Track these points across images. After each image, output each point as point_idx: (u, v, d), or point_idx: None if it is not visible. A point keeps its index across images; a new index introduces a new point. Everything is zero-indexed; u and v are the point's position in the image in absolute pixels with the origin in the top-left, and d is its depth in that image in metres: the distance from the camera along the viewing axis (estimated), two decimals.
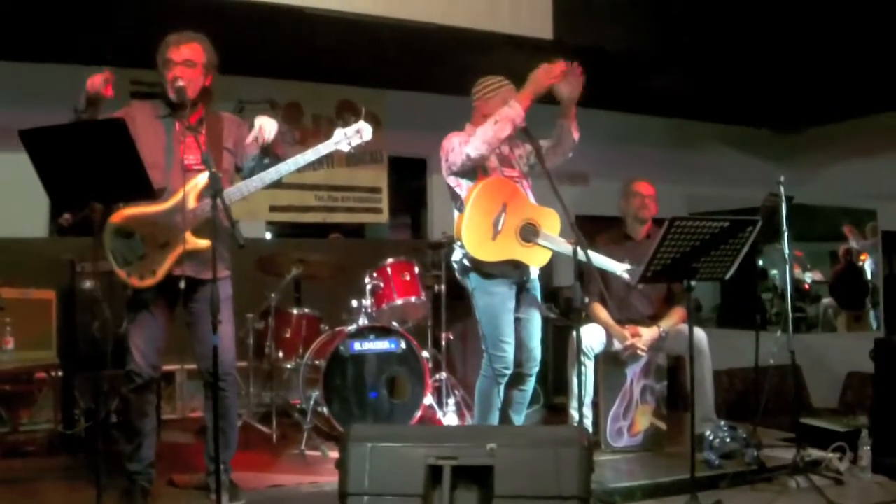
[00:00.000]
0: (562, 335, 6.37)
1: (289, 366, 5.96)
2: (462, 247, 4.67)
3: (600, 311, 5.51)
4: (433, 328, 6.38)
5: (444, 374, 6.13)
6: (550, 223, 4.78)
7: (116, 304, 4.28)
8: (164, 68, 4.05)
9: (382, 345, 5.66)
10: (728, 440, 5.00)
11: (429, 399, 5.80)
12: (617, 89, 8.51)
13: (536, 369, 5.01)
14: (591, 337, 5.40)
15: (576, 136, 4.90)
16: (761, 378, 5.66)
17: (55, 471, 4.88)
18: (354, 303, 5.88)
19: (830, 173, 9.68)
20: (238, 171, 4.30)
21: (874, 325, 9.84)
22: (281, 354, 5.96)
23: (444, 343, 6.29)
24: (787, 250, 5.10)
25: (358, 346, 5.59)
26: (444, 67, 7.34)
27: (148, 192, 3.75)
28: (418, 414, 5.68)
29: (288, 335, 5.98)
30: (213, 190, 3.64)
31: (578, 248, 4.28)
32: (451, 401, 6.06)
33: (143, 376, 4.09)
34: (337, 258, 6.30)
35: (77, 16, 5.94)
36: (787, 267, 5.15)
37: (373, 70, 7.51)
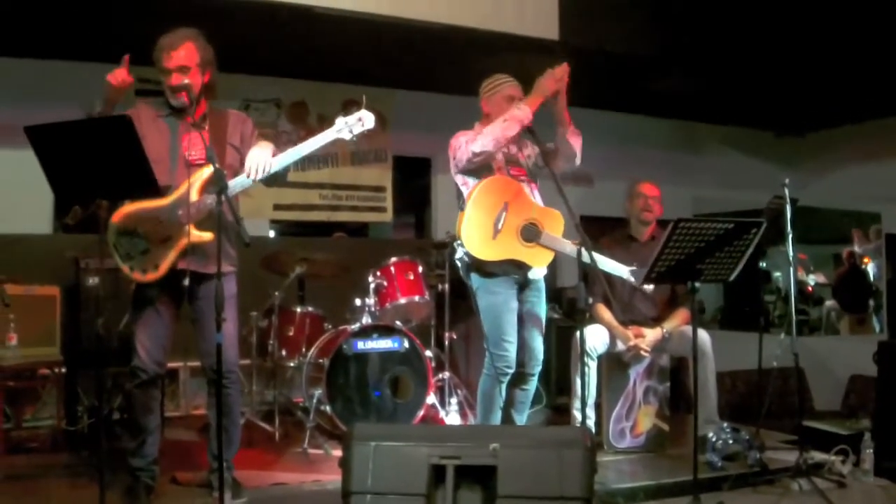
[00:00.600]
0: (565, 336, 6.37)
1: (292, 364, 5.96)
2: (462, 245, 4.67)
3: (604, 311, 5.51)
4: (436, 327, 6.39)
5: (446, 374, 6.14)
6: (553, 224, 4.77)
7: (120, 301, 4.29)
8: (161, 73, 4.07)
9: (386, 344, 5.66)
10: (731, 442, 5.00)
11: (431, 398, 5.80)
12: (622, 91, 8.53)
13: (539, 369, 5.00)
14: (595, 338, 5.40)
15: (574, 143, 4.83)
16: (764, 380, 5.66)
17: (58, 467, 4.90)
18: (358, 301, 5.88)
19: (834, 176, 9.67)
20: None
21: (877, 328, 9.83)
22: (284, 353, 5.96)
23: (447, 342, 6.30)
24: (791, 252, 5.10)
25: (361, 344, 5.60)
26: (449, 67, 7.33)
27: (153, 189, 3.75)
28: (421, 413, 5.68)
29: (291, 333, 5.98)
30: (219, 187, 3.64)
31: (583, 250, 4.28)
32: (454, 400, 6.07)
33: (147, 372, 4.10)
34: (341, 257, 6.30)
35: (81, 12, 5.94)
36: (791, 269, 5.14)
37: (378, 70, 7.51)
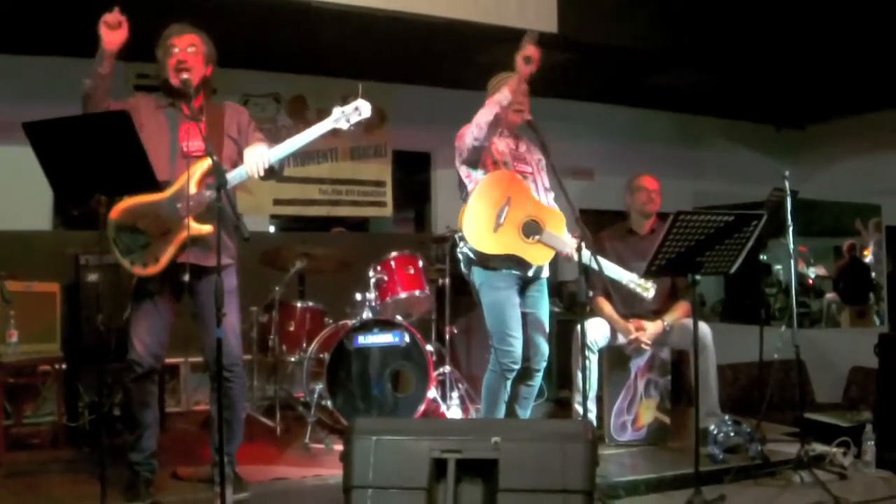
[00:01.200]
0: (566, 329, 6.37)
1: (293, 359, 5.96)
2: (463, 238, 4.66)
3: (604, 305, 5.50)
4: (437, 322, 6.40)
5: (447, 368, 6.13)
6: (555, 223, 4.77)
7: (120, 297, 4.28)
8: (165, 56, 4.07)
9: (386, 338, 5.66)
10: (732, 435, 5.00)
11: (432, 393, 5.80)
12: (622, 84, 8.53)
13: (544, 364, 4.99)
14: (596, 331, 5.40)
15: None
16: (765, 373, 5.66)
17: (59, 463, 4.91)
18: (358, 296, 5.88)
19: (835, 169, 9.67)
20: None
21: (878, 321, 9.83)
22: (285, 348, 5.96)
23: (447, 337, 6.29)
24: (791, 245, 5.09)
25: (362, 339, 5.59)
26: (449, 62, 7.34)
27: (152, 184, 3.74)
28: (422, 407, 5.67)
29: (292, 328, 5.98)
30: (218, 182, 3.63)
31: (583, 245, 4.28)
32: (455, 394, 6.07)
33: (143, 366, 4.09)
34: (341, 252, 6.29)
35: (80, 8, 5.92)
36: (792, 262, 5.14)
37: (378, 64, 7.50)
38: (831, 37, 7.06)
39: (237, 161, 4.13)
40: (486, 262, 4.72)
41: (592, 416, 5.21)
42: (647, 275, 4.58)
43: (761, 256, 5.69)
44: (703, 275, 4.55)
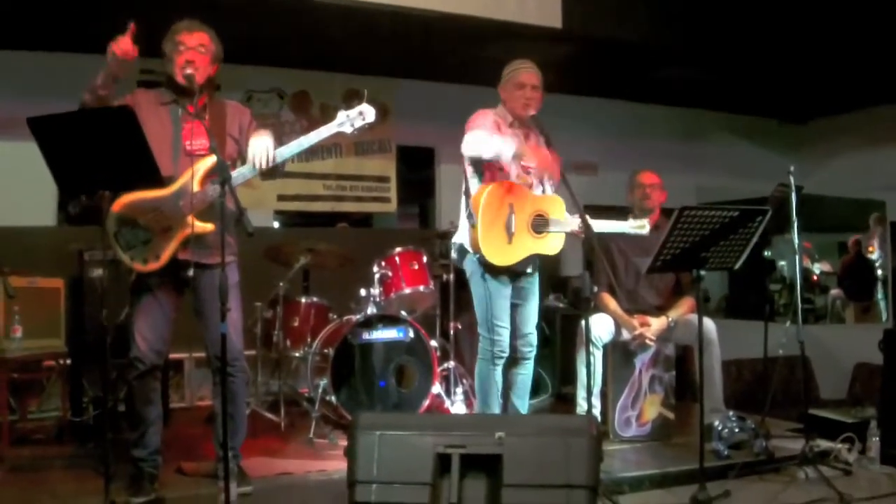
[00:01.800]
0: (570, 325, 6.36)
1: (297, 354, 5.96)
2: (483, 259, 4.66)
3: (609, 300, 5.50)
4: (441, 317, 6.40)
5: (451, 363, 6.13)
6: (556, 208, 4.82)
7: (124, 292, 4.28)
8: (172, 52, 4.06)
9: (390, 334, 5.66)
10: (737, 430, 5.00)
11: (437, 388, 5.80)
12: (625, 79, 8.51)
13: (534, 353, 5.04)
14: (600, 326, 5.40)
15: None
16: (770, 369, 5.65)
17: (63, 459, 4.92)
18: (363, 292, 5.87)
19: (839, 164, 9.63)
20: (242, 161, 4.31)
21: (883, 317, 9.81)
22: (289, 343, 5.96)
23: (452, 332, 6.29)
24: (796, 240, 5.08)
25: (366, 334, 5.59)
26: (453, 56, 7.33)
27: (156, 179, 3.75)
28: (426, 403, 5.68)
29: (296, 324, 5.99)
30: (222, 178, 3.63)
31: (588, 233, 4.31)
32: (459, 390, 6.07)
33: (145, 363, 4.09)
34: (345, 247, 6.28)
35: (84, 3, 5.92)
36: (797, 257, 5.12)
37: (381, 59, 7.50)
38: (834, 31, 7.04)
39: (238, 161, 4.14)
40: (495, 271, 4.74)
41: (597, 411, 5.19)
42: (652, 270, 4.57)
43: (766, 252, 5.67)
44: (708, 270, 4.54)
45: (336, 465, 4.65)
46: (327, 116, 4.17)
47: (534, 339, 5.01)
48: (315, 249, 5.99)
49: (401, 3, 6.20)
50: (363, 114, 4.13)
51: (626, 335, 5.46)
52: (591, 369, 4.87)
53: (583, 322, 4.71)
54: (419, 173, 9.19)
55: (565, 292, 7.50)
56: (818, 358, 7.87)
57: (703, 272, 4.51)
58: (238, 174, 4.00)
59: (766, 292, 7.54)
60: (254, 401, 5.88)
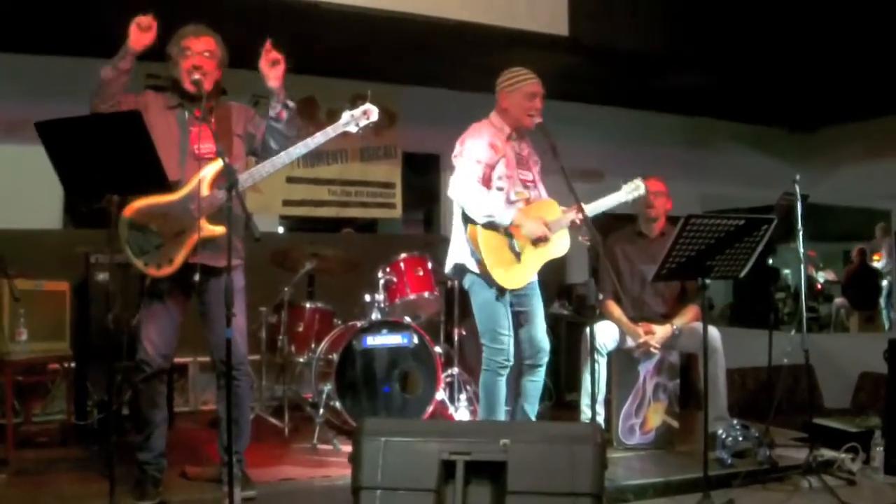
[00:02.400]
0: (575, 332, 6.36)
1: (301, 360, 5.96)
2: (502, 287, 4.69)
3: (614, 308, 5.50)
4: (446, 323, 6.40)
5: (456, 370, 6.14)
6: (550, 211, 4.86)
7: (130, 296, 4.29)
8: (179, 57, 4.08)
9: (395, 339, 5.67)
10: (741, 439, 4.99)
11: (441, 394, 5.80)
12: (632, 87, 8.52)
13: (546, 359, 5.01)
14: (605, 334, 5.39)
15: None
16: (774, 377, 5.64)
17: (68, 462, 4.91)
18: (367, 297, 5.88)
19: (845, 173, 9.64)
20: (253, 156, 4.34)
21: (887, 326, 9.82)
22: (293, 348, 5.97)
23: (456, 338, 6.30)
24: (801, 249, 5.08)
25: (370, 340, 5.60)
26: (460, 64, 7.34)
27: (163, 183, 3.76)
28: (430, 409, 5.68)
29: (301, 329, 5.99)
30: (229, 182, 3.64)
31: (589, 239, 4.32)
32: (463, 396, 6.06)
33: (152, 366, 4.10)
34: (350, 253, 6.30)
35: (90, 8, 5.94)
36: (802, 266, 5.12)
37: (387, 66, 7.51)
38: (842, 40, 7.05)
39: (246, 160, 4.15)
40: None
41: (601, 419, 5.20)
42: (657, 278, 4.57)
43: (770, 261, 5.67)
44: (713, 279, 4.54)
45: (340, 471, 4.63)
46: (334, 122, 4.20)
47: (546, 343, 4.98)
48: (320, 255, 5.99)
49: (408, 9, 6.21)
50: (367, 113, 4.18)
51: (630, 343, 5.46)
52: (595, 377, 4.87)
53: (587, 329, 4.71)
54: (424, 179, 9.20)
55: (570, 299, 7.50)
56: (822, 367, 7.85)
57: (708, 280, 4.51)
58: (247, 176, 4.01)
59: (771, 301, 7.53)
60: (258, 405, 5.88)
